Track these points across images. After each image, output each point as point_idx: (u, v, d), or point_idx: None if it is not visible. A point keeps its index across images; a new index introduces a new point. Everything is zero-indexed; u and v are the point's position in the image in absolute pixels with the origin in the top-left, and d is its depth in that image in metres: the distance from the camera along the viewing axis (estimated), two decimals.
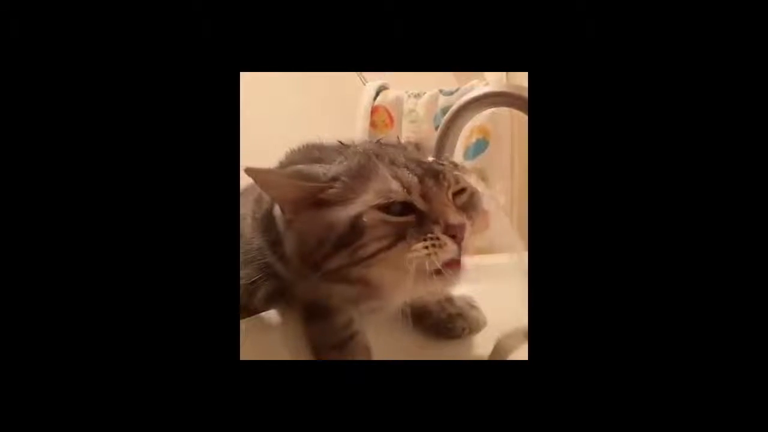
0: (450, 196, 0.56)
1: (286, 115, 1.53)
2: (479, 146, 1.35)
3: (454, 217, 0.52)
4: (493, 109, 1.31)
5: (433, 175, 0.55)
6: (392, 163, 0.55)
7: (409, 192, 0.53)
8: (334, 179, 0.53)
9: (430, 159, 0.60)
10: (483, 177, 1.34)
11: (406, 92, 1.52)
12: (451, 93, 1.42)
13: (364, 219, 0.51)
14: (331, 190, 0.53)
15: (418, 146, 0.65)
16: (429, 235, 0.51)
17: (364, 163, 0.55)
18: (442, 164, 0.58)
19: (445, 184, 0.55)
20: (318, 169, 0.55)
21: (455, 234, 0.52)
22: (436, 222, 0.52)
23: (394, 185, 0.52)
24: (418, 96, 1.49)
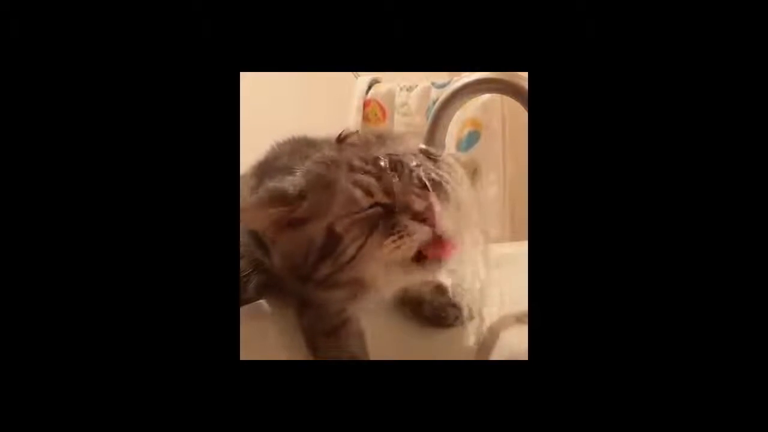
0: (415, 180, 0.56)
1: (282, 112, 1.53)
2: (471, 138, 1.35)
3: (419, 204, 0.54)
4: (484, 101, 1.31)
5: (392, 167, 0.56)
6: (350, 169, 0.56)
7: (371, 196, 0.54)
8: (302, 197, 0.55)
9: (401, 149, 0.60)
10: (475, 168, 1.34)
11: (398, 85, 1.51)
12: (443, 85, 1.41)
13: (337, 228, 0.53)
14: (300, 209, 0.55)
15: (379, 136, 0.65)
16: (396, 229, 0.53)
17: (324, 173, 0.56)
18: (398, 153, 0.59)
19: (406, 171, 0.56)
20: (286, 185, 0.56)
21: (425, 218, 0.53)
22: (402, 212, 0.53)
23: (357, 194, 0.54)
24: (410, 89, 1.48)
